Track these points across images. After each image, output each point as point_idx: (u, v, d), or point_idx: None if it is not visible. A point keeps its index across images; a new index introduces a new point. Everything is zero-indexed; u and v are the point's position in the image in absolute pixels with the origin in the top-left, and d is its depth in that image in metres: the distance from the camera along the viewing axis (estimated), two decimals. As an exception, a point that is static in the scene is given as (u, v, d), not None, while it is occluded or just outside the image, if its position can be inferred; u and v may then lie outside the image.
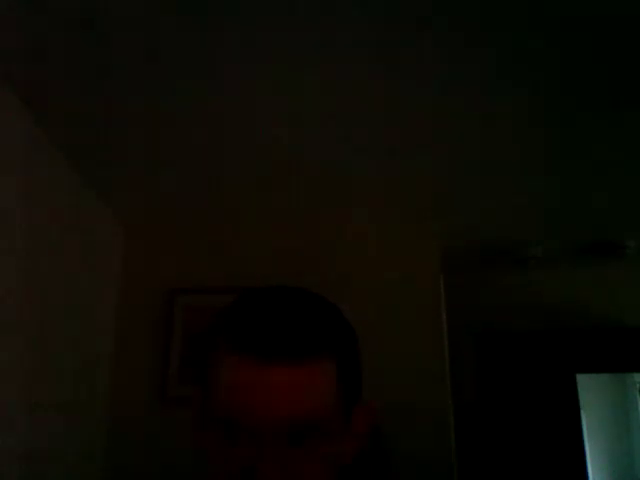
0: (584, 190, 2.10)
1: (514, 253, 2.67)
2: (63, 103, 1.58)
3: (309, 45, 1.36)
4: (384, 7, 1.24)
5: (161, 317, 2.26)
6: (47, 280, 1.75)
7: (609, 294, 2.84)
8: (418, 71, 1.45)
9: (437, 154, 1.86)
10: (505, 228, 2.48)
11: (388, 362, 2.10)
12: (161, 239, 2.37)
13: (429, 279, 2.35)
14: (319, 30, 1.31)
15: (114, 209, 2.22)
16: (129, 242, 2.37)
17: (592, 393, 4.19)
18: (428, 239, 2.39)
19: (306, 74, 1.46)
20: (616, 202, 2.20)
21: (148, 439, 2.07)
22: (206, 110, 1.61)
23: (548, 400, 2.82)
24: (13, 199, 1.56)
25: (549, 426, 2.78)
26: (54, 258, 1.79)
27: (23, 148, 1.61)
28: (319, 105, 1.60)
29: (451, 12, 1.25)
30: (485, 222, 2.41)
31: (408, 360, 2.18)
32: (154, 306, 2.28)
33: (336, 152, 1.84)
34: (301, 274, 2.10)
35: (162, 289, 2.29)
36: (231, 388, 0.57)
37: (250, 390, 0.56)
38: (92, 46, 1.35)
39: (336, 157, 1.87)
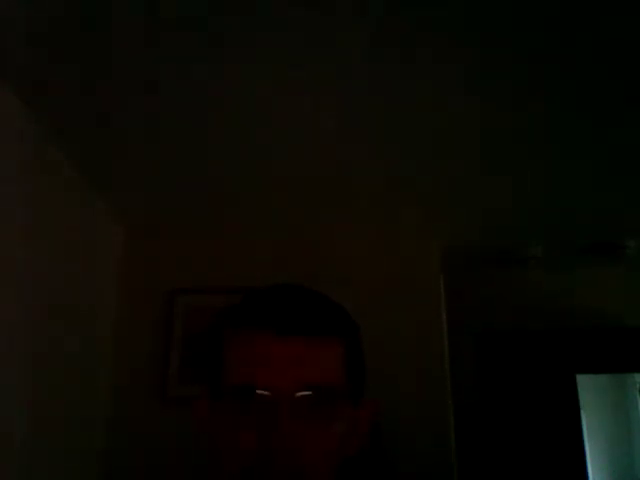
0: (584, 190, 2.10)
1: (514, 253, 2.67)
2: (63, 103, 1.58)
3: (309, 45, 1.36)
4: (384, 7, 1.24)
5: (161, 317, 2.26)
6: (47, 280, 1.75)
7: (609, 294, 2.84)
8: (418, 71, 1.45)
9: (437, 154, 1.86)
10: (505, 228, 2.48)
11: (388, 362, 2.10)
12: (161, 239, 2.37)
13: (429, 279, 2.35)
14: (319, 30, 1.31)
15: (114, 209, 2.22)
16: (129, 242, 2.37)
17: (592, 393, 4.18)
18: (428, 239, 2.39)
19: (306, 74, 1.46)
20: (616, 202, 2.20)
21: (148, 439, 2.07)
22: (206, 110, 1.61)
23: (548, 400, 2.82)
24: (13, 199, 1.56)
25: (549, 426, 2.78)
26: (54, 258, 1.79)
27: (23, 148, 1.61)
28: (319, 105, 1.60)
29: (451, 11, 1.25)
30: (485, 222, 2.41)
31: (408, 360, 2.19)
32: (154, 306, 2.28)
33: (336, 152, 1.84)
34: (301, 274, 2.10)
35: (162, 289, 2.29)
36: (249, 358, 0.62)
37: (267, 359, 0.61)
38: (92, 46, 1.35)
39: (336, 157, 1.87)
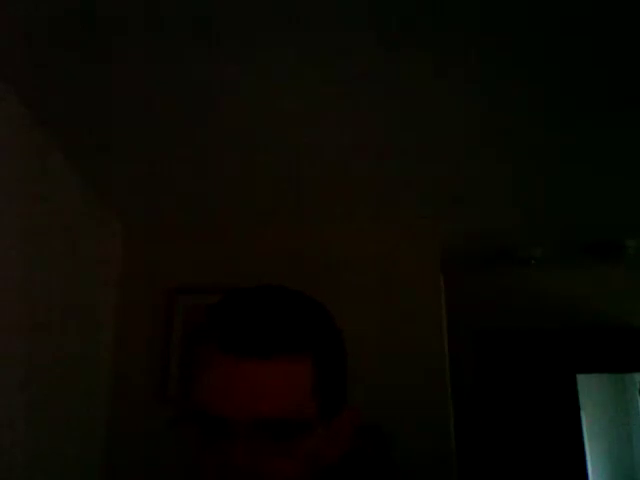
0: (584, 190, 2.10)
1: (514, 253, 2.67)
2: (63, 103, 1.58)
3: (309, 45, 1.36)
4: (384, 7, 1.24)
5: (161, 317, 2.26)
6: (47, 280, 1.75)
7: (609, 294, 2.84)
8: (418, 71, 1.45)
9: (437, 154, 1.86)
10: (505, 228, 2.48)
11: (388, 362, 2.10)
12: (161, 239, 2.37)
13: (429, 279, 2.35)
14: (319, 30, 1.31)
15: (114, 209, 2.22)
16: (129, 242, 2.37)
17: (592, 393, 4.19)
18: (428, 239, 2.39)
19: (306, 74, 1.46)
20: (616, 202, 2.20)
21: (148, 439, 2.07)
22: (206, 110, 1.61)
23: (548, 400, 2.82)
24: (13, 199, 1.56)
25: (549, 426, 2.78)
26: (54, 258, 1.78)
27: (23, 149, 1.61)
28: (319, 105, 1.60)
29: (452, 12, 1.25)
30: (485, 222, 2.41)
31: (408, 360, 2.19)
32: (154, 306, 2.28)
33: (336, 152, 1.84)
34: (301, 274, 2.10)
35: (162, 289, 2.29)
36: (206, 384, 0.59)
37: (222, 386, 0.58)
38: (92, 46, 1.35)
39: (336, 157, 1.87)
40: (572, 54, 1.38)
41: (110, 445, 2.09)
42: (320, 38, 1.33)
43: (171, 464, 2.03)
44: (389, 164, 1.92)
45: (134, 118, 1.65)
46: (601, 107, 1.60)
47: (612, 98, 1.56)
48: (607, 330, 2.84)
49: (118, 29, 1.30)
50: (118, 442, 2.10)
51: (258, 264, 2.25)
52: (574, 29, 1.29)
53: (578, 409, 2.89)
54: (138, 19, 1.27)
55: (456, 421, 2.27)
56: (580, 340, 2.86)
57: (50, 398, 1.75)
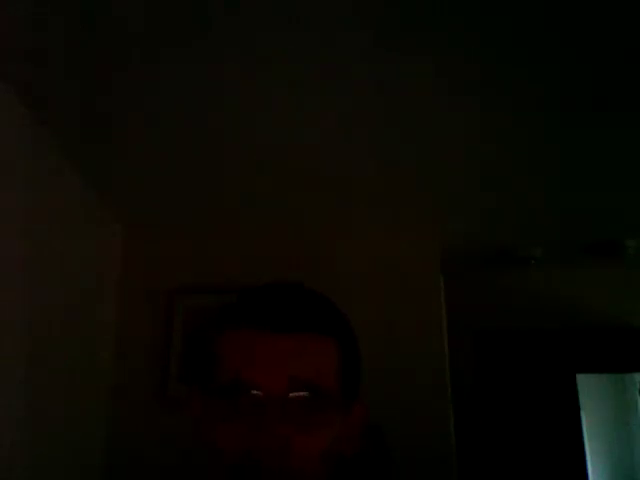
0: (584, 190, 2.10)
1: (514, 253, 2.67)
2: (63, 103, 1.58)
3: (309, 45, 1.36)
4: (384, 7, 1.24)
5: (161, 317, 2.26)
6: (47, 280, 1.75)
7: (609, 294, 2.84)
8: (418, 71, 1.45)
9: (437, 154, 1.86)
10: (505, 228, 2.48)
11: (388, 362, 2.10)
12: (161, 239, 2.37)
13: (429, 279, 2.35)
14: (319, 30, 1.31)
15: (114, 209, 2.22)
16: (129, 242, 2.37)
17: (592, 393, 4.18)
18: (428, 239, 2.39)
19: (306, 74, 1.46)
20: (616, 202, 2.20)
21: (148, 439, 2.07)
22: (206, 110, 1.61)
23: (548, 400, 2.82)
24: (13, 199, 1.56)
25: (549, 426, 2.78)
26: (54, 258, 1.79)
27: (23, 148, 1.61)
28: (319, 105, 1.60)
29: (449, 13, 1.25)
30: (485, 222, 2.41)
31: (408, 360, 2.19)
32: (154, 306, 2.28)
33: (336, 152, 1.84)
34: (301, 274, 2.10)
35: (162, 289, 2.29)
36: (241, 356, 0.61)
37: (258, 357, 0.60)
38: (92, 46, 1.35)
39: (336, 157, 1.87)
40: (574, 55, 1.38)
41: (110, 445, 2.09)
42: (320, 38, 1.33)
43: (171, 464, 2.03)
44: (389, 164, 1.92)
45: (134, 118, 1.65)
46: (601, 107, 1.60)
47: (612, 98, 1.56)
48: (607, 330, 2.84)
49: (118, 29, 1.30)
50: (118, 442, 2.10)
51: (258, 264, 2.25)
52: (574, 29, 1.29)
53: (578, 409, 2.89)
54: (138, 19, 1.27)
55: (456, 421, 2.27)
56: (580, 340, 2.86)
57: (50, 398, 1.75)
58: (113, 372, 2.18)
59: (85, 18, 1.27)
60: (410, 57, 1.39)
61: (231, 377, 0.60)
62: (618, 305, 2.83)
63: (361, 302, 2.17)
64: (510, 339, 2.90)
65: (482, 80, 1.49)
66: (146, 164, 1.92)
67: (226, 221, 2.32)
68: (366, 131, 1.72)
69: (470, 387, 2.74)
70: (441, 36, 1.33)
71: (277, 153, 1.84)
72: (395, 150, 1.83)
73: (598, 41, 1.33)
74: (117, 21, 1.28)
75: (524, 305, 2.84)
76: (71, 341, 1.88)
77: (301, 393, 0.59)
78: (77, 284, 1.94)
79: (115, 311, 2.26)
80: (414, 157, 1.87)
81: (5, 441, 1.52)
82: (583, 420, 2.94)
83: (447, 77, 1.47)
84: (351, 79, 1.47)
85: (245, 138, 1.76)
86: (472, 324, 2.83)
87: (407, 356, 2.19)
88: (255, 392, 0.58)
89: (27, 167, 1.63)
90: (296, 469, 0.59)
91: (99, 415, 2.09)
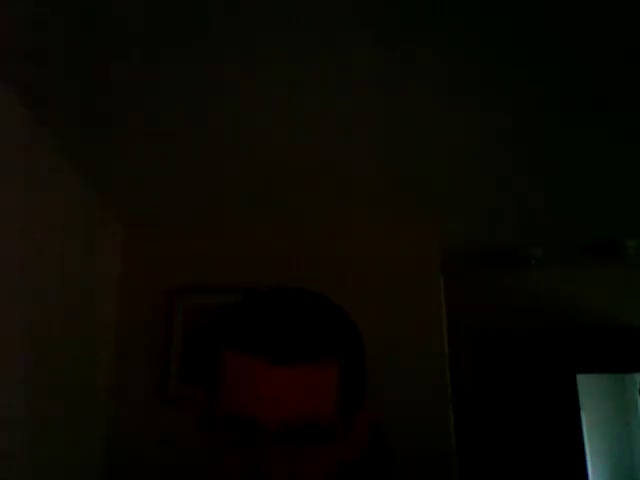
0: (584, 190, 2.10)
1: (514, 253, 2.67)
2: (63, 103, 1.58)
3: (309, 45, 1.36)
4: (384, 7, 1.24)
5: (161, 317, 2.26)
6: (47, 280, 1.75)
7: (609, 294, 2.84)
8: (418, 71, 1.45)
9: (437, 154, 1.86)
10: (505, 228, 2.48)
11: (388, 362, 2.10)
12: (161, 239, 2.37)
13: (429, 279, 2.35)
14: (319, 30, 1.31)
15: (114, 209, 2.22)
16: (129, 242, 2.37)
17: (592, 393, 4.19)
18: (428, 239, 2.39)
19: (306, 74, 1.46)
20: (616, 202, 2.20)
21: (148, 439, 2.07)
22: (206, 110, 1.61)
23: (548, 400, 2.82)
24: (13, 199, 1.56)
25: (549, 426, 2.78)
26: (54, 258, 1.79)
27: (23, 148, 1.61)
28: (319, 105, 1.60)
29: (450, 12, 1.25)
30: (485, 222, 2.41)
31: (408, 360, 2.19)
32: (154, 306, 2.28)
33: (336, 152, 1.84)
34: (301, 274, 2.10)
35: (162, 289, 2.29)
36: (238, 388, 0.60)
37: (255, 389, 0.59)
38: (92, 46, 1.35)
39: (336, 157, 1.87)
40: (574, 54, 1.38)
41: (110, 445, 2.09)
42: (320, 38, 1.33)
43: (171, 464, 2.03)
44: (389, 164, 1.92)
45: (134, 118, 1.65)
46: (601, 107, 1.60)
47: (612, 98, 1.56)
48: (607, 330, 2.84)
49: (118, 29, 1.30)
50: (118, 442, 2.10)
51: (258, 264, 2.25)
52: (574, 29, 1.29)
53: (578, 409, 2.89)
54: (138, 19, 1.27)
55: (456, 421, 2.27)
56: (580, 340, 2.86)
57: (50, 398, 1.75)
58: (113, 372, 2.18)
59: (85, 18, 1.27)
60: (410, 57, 1.39)
61: (231, 411, 0.60)
62: (618, 305, 2.83)
63: (361, 302, 2.16)
64: (510, 339, 2.90)
65: (482, 80, 1.49)
66: (146, 164, 1.92)
67: (226, 221, 2.32)
68: (366, 131, 1.72)
69: (470, 387, 2.74)
70: (441, 36, 1.33)
71: (277, 153, 1.84)
72: (395, 150, 1.83)
73: (598, 41, 1.33)
74: (117, 21, 1.28)
75: (524, 305, 2.84)
76: (71, 341, 1.88)
77: (294, 430, 0.58)
78: (77, 284, 1.94)
79: (115, 311, 2.26)
80: (414, 157, 1.87)
81: (5, 441, 1.52)
82: (583, 420, 2.95)
83: (447, 77, 1.47)
84: (351, 79, 1.47)
85: (245, 138, 1.76)
86: (472, 324, 2.83)
87: (407, 356, 2.19)
88: (252, 425, 0.58)
89: (27, 167, 1.63)
90: None
91: (99, 415, 2.09)
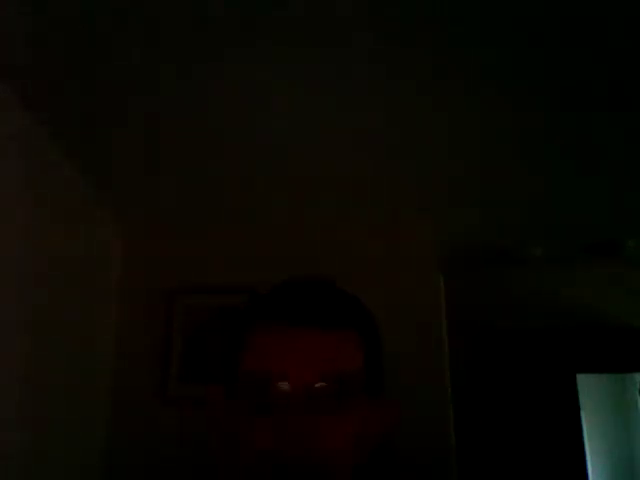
0: (584, 190, 2.10)
1: (514, 253, 2.67)
2: (63, 103, 1.58)
3: (309, 45, 1.36)
4: (384, 7, 1.24)
5: (161, 317, 2.26)
6: (47, 280, 1.75)
7: (609, 294, 2.84)
8: (418, 71, 1.45)
9: (437, 154, 1.86)
10: (505, 228, 2.48)
11: (388, 362, 2.10)
12: (161, 239, 2.37)
13: (429, 279, 2.35)
14: (319, 30, 1.31)
15: (114, 209, 2.22)
16: (129, 242, 2.37)
17: (592, 393, 4.18)
18: (428, 239, 2.39)
19: (306, 74, 1.46)
20: (616, 202, 2.20)
21: (148, 439, 2.07)
22: (206, 110, 1.61)
23: (548, 400, 2.82)
24: (13, 199, 1.56)
25: (549, 426, 2.78)
26: (54, 258, 1.79)
27: (23, 148, 1.61)
28: (319, 105, 1.60)
29: (450, 12, 1.25)
30: (485, 222, 2.41)
31: (408, 360, 2.18)
32: (154, 306, 2.28)
33: (336, 152, 1.84)
34: (301, 274, 2.10)
35: (162, 289, 2.29)
36: (266, 351, 0.63)
37: (284, 350, 0.62)
38: (92, 46, 1.35)
39: (336, 157, 1.87)
40: (574, 54, 1.38)
41: (110, 445, 2.09)
42: (320, 37, 1.33)
43: (171, 464, 2.03)
44: (389, 164, 1.92)
45: (134, 118, 1.65)
46: (601, 107, 1.60)
47: (612, 98, 1.56)
48: (607, 330, 2.84)
49: (118, 29, 1.30)
50: (118, 442, 2.10)
51: (258, 264, 2.25)
52: (574, 29, 1.29)
53: (578, 409, 2.89)
54: (138, 19, 1.27)
55: (456, 421, 2.27)
56: (580, 340, 2.86)
57: (50, 398, 1.75)
58: (113, 372, 2.18)
59: (85, 18, 1.27)
60: (410, 57, 1.39)
61: (258, 371, 0.62)
62: (618, 305, 2.83)
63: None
64: (510, 338, 2.90)
65: (482, 80, 1.49)
66: (146, 164, 1.92)
67: (226, 221, 2.32)
68: (366, 131, 1.72)
69: (470, 387, 2.74)
70: (441, 36, 1.33)
71: (277, 153, 1.84)
72: (395, 150, 1.83)
73: (598, 41, 1.33)
74: (117, 21, 1.28)
75: (524, 305, 2.84)
76: (71, 341, 1.88)
77: (325, 384, 0.60)
78: (77, 284, 1.94)
79: (115, 311, 2.26)
80: (414, 157, 1.87)
81: (5, 441, 1.52)
82: (583, 420, 2.95)
83: (447, 77, 1.47)
84: (351, 79, 1.47)
85: (245, 138, 1.76)
86: (472, 324, 2.83)
87: (407, 356, 2.19)
88: (283, 384, 0.60)
89: (27, 167, 1.63)
90: (323, 465, 0.59)
91: (99, 415, 2.09)
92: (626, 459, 4.50)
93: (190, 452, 2.01)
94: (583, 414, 2.98)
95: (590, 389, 4.01)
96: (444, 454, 2.12)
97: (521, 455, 2.73)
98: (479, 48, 1.36)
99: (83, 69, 1.44)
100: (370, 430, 0.66)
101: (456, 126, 1.69)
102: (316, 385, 0.60)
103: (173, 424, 2.06)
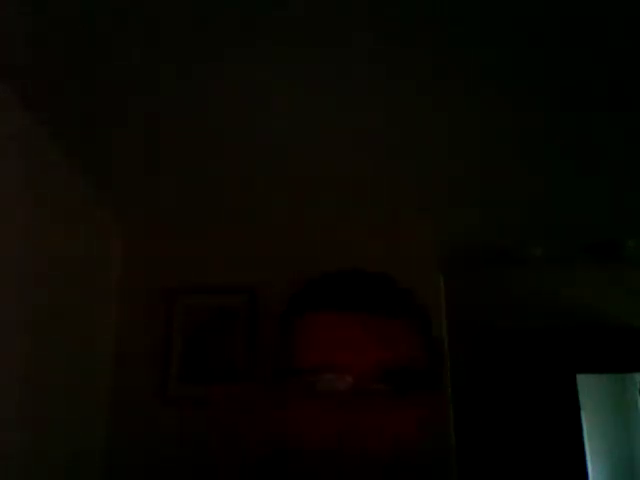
0: (584, 190, 2.10)
1: (514, 253, 2.67)
2: (63, 103, 1.58)
3: (309, 45, 1.36)
4: (384, 7, 1.24)
5: (161, 317, 2.26)
6: (47, 280, 1.75)
7: (609, 294, 2.84)
8: (418, 71, 1.45)
9: (437, 154, 1.86)
10: (505, 228, 2.48)
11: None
12: (161, 239, 2.37)
13: (429, 279, 2.35)
14: (319, 30, 1.31)
15: (114, 209, 2.22)
16: (129, 242, 2.37)
17: (592, 393, 4.18)
18: (428, 239, 2.38)
19: (306, 74, 1.46)
20: (616, 202, 2.20)
21: (148, 439, 2.07)
22: (206, 110, 1.61)
23: (548, 400, 2.82)
24: (13, 199, 1.56)
25: (549, 426, 2.78)
26: (54, 258, 1.78)
27: (23, 148, 1.61)
28: (319, 105, 1.60)
29: (450, 12, 1.25)
30: (485, 222, 2.41)
31: (408, 360, 2.18)
32: (154, 306, 2.28)
33: (336, 152, 1.84)
34: (301, 274, 2.10)
35: (162, 289, 2.29)
36: (326, 341, 0.58)
37: (346, 338, 0.57)
38: (92, 46, 1.35)
39: (336, 157, 1.87)
40: (573, 53, 1.37)
41: (110, 445, 2.09)
42: (320, 37, 1.33)
43: (171, 464, 2.03)
44: (389, 164, 1.92)
45: (134, 118, 1.65)
46: (601, 107, 1.60)
47: (612, 98, 1.56)
48: (607, 330, 2.84)
49: (118, 29, 1.30)
50: (118, 442, 2.10)
51: (258, 264, 2.25)
52: (574, 29, 1.29)
53: (578, 409, 2.89)
54: (138, 19, 1.27)
55: (456, 421, 2.27)
56: (580, 340, 2.86)
57: (50, 398, 1.75)
58: (113, 372, 2.18)
59: (85, 18, 1.27)
60: (410, 57, 1.39)
61: (318, 360, 0.57)
62: (618, 305, 2.83)
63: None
64: (510, 338, 2.90)
65: (481, 80, 1.49)
66: (146, 164, 1.92)
67: (226, 221, 2.32)
68: (366, 131, 1.72)
69: (470, 387, 2.74)
70: (441, 36, 1.33)
71: (277, 153, 1.84)
72: (395, 150, 1.83)
73: (598, 41, 1.33)
74: (117, 21, 1.28)
75: (524, 305, 2.84)
76: (71, 341, 1.88)
77: (393, 374, 0.56)
78: (77, 284, 1.94)
79: (115, 311, 2.26)
80: (414, 157, 1.87)
81: (5, 441, 1.52)
82: (583, 420, 2.95)
83: (447, 77, 1.47)
84: (351, 79, 1.47)
85: (245, 138, 1.76)
86: (472, 324, 2.83)
87: (407, 356, 2.19)
88: (345, 375, 0.55)
89: (27, 167, 1.63)
90: (391, 451, 0.56)
91: (99, 415, 2.09)
92: (626, 459, 4.50)
93: (190, 452, 2.01)
94: (583, 414, 2.98)
95: (590, 389, 4.01)
96: (444, 454, 2.12)
97: (521, 455, 2.73)
98: (479, 48, 1.36)
99: (83, 69, 1.44)
100: (428, 427, 0.62)
101: (456, 126, 1.69)
102: (376, 378, 0.55)
103: (173, 424, 2.06)
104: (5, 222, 1.53)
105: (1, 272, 1.51)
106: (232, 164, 1.91)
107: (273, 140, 1.76)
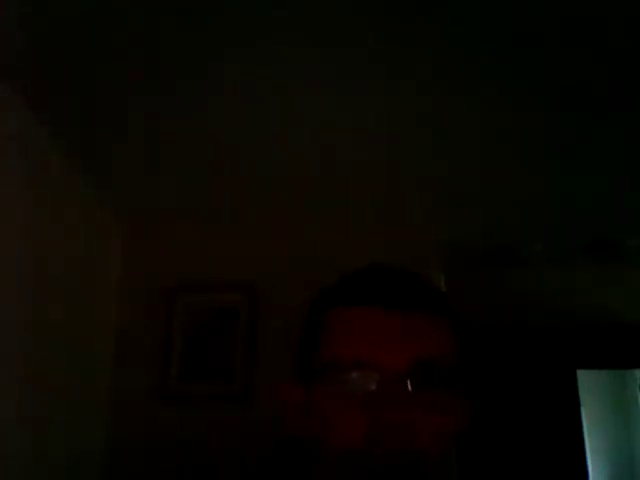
0: (584, 190, 2.10)
1: (514, 252, 2.67)
2: (63, 103, 1.58)
3: (309, 45, 1.35)
4: (385, 7, 1.24)
5: (161, 317, 2.26)
6: (47, 280, 1.75)
7: (609, 294, 2.84)
8: (418, 71, 1.45)
9: (437, 154, 1.85)
10: (505, 227, 2.48)
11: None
12: (161, 239, 2.37)
13: (429, 279, 2.34)
14: (319, 30, 1.31)
15: (114, 209, 2.22)
16: (129, 242, 2.36)
17: (592, 389, 4.19)
18: (428, 239, 2.38)
19: (306, 74, 1.46)
20: (616, 202, 2.20)
21: (148, 439, 2.07)
22: (206, 110, 1.61)
23: (548, 396, 2.82)
24: (13, 199, 1.56)
25: (549, 422, 2.78)
26: (54, 258, 1.78)
27: (23, 148, 1.61)
28: (319, 105, 1.60)
29: (450, 12, 1.25)
30: (485, 221, 2.40)
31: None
32: (154, 306, 2.27)
33: (336, 152, 1.84)
34: (301, 274, 2.10)
35: (162, 288, 2.29)
36: (358, 336, 0.57)
37: (377, 334, 0.57)
38: (92, 46, 1.35)
39: (336, 157, 1.86)
40: (573, 53, 1.37)
41: (110, 445, 2.09)
42: (320, 37, 1.33)
43: (171, 464, 2.03)
44: (389, 164, 1.92)
45: (134, 118, 1.65)
46: (601, 107, 1.60)
47: (612, 98, 1.56)
48: (607, 326, 2.85)
49: (118, 29, 1.30)
50: (118, 442, 2.10)
51: (258, 264, 2.24)
52: (574, 30, 1.29)
53: (578, 405, 2.90)
54: (138, 19, 1.27)
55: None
56: (580, 336, 2.86)
57: (50, 398, 1.75)
58: (113, 372, 2.18)
59: (85, 18, 1.27)
60: (410, 57, 1.39)
61: (350, 357, 0.56)
62: (618, 303, 2.83)
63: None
64: (511, 336, 2.90)
65: (482, 80, 1.49)
66: (146, 164, 1.91)
67: (226, 221, 2.32)
68: (366, 131, 1.72)
69: (470, 383, 2.74)
70: (442, 36, 1.33)
71: (277, 153, 1.84)
72: (395, 150, 1.83)
73: (598, 41, 1.33)
74: (117, 21, 1.28)
75: (524, 303, 2.85)
76: (71, 341, 1.88)
77: (423, 372, 0.56)
78: (77, 284, 1.94)
79: (115, 311, 2.26)
80: (414, 157, 1.87)
81: (5, 441, 1.52)
82: (583, 416, 2.95)
83: (447, 77, 1.47)
84: (351, 79, 1.47)
85: (245, 138, 1.75)
86: (473, 322, 2.83)
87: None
88: (374, 372, 0.55)
89: (27, 167, 1.63)
90: (420, 452, 0.56)
91: (99, 415, 2.09)
92: (626, 455, 4.51)
93: (190, 452, 2.01)
94: (583, 410, 2.98)
95: (590, 385, 4.02)
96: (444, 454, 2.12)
97: (521, 451, 2.73)
98: (479, 48, 1.36)
99: (83, 69, 1.44)
100: (459, 429, 0.62)
101: (456, 126, 1.69)
102: (412, 374, 0.55)
103: (173, 424, 2.06)
104: (5, 222, 1.52)
105: (1, 272, 1.51)
106: (232, 164, 1.91)
107: (273, 140, 1.76)
